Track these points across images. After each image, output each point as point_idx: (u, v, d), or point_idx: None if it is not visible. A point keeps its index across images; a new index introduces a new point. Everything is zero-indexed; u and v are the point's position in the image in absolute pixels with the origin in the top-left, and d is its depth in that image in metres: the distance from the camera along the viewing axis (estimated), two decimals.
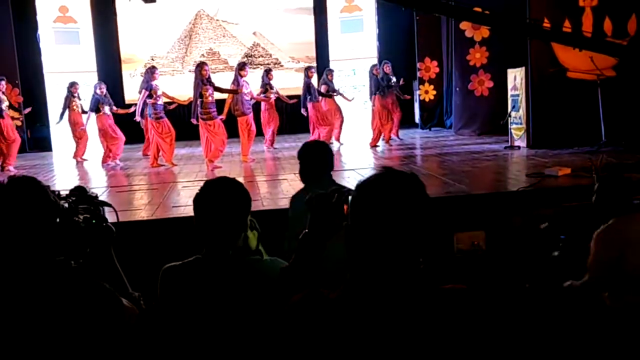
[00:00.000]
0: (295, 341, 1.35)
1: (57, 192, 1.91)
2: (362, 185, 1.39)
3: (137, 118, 10.32)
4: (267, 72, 10.97)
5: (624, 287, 3.35)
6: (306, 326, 1.34)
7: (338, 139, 11.18)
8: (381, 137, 10.87)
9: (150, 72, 9.50)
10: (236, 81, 9.65)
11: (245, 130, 9.57)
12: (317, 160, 3.35)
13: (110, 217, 2.14)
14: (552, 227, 5.05)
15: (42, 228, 1.73)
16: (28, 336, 1.66)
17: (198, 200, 2.09)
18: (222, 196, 2.06)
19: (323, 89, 10.89)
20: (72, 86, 10.51)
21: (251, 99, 9.96)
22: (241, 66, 9.89)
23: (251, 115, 9.72)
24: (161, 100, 9.53)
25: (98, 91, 10.24)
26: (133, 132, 11.27)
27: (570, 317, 3.66)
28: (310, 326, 1.33)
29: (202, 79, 8.72)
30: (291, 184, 7.00)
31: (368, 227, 1.34)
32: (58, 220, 1.84)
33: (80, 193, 2.01)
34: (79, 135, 10.54)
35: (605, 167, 5.50)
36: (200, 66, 8.92)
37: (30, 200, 1.72)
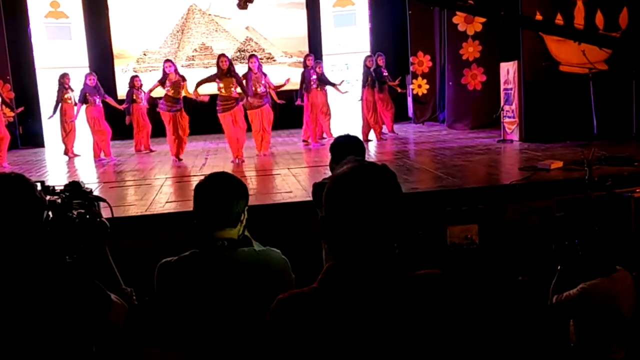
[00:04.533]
0: (279, 339, 1.38)
1: (51, 188, 1.92)
2: (336, 178, 1.42)
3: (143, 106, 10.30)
4: None
5: (612, 338, 3.41)
6: (285, 324, 1.37)
7: (330, 135, 11.18)
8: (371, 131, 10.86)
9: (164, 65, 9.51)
10: (249, 73, 9.40)
11: (255, 122, 9.38)
12: (346, 153, 3.35)
13: (105, 212, 2.14)
14: (568, 217, 5.10)
15: (29, 224, 1.73)
16: (13, 329, 1.67)
17: (199, 190, 2.12)
18: (222, 187, 2.10)
19: (313, 80, 10.74)
20: (63, 77, 10.43)
21: (266, 90, 9.62)
22: (248, 57, 9.82)
23: (264, 107, 9.45)
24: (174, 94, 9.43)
25: (88, 82, 10.17)
26: (124, 127, 11.24)
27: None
28: (289, 324, 1.36)
29: (220, 72, 8.76)
30: (284, 178, 7.01)
31: (343, 218, 1.38)
32: (50, 215, 1.85)
33: (74, 188, 2.01)
34: (67, 129, 10.47)
35: (600, 179, 5.57)
36: (218, 58, 9.00)
37: (16, 197, 1.73)
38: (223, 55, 9.13)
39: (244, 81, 9.17)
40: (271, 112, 9.67)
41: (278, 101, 11.06)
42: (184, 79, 9.47)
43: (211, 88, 9.37)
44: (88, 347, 1.83)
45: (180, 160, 9.32)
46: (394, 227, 1.40)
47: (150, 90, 9.83)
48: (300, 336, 1.35)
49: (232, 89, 8.84)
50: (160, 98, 11.38)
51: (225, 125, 8.91)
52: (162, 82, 9.39)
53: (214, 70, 9.37)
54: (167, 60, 9.70)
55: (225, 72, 8.78)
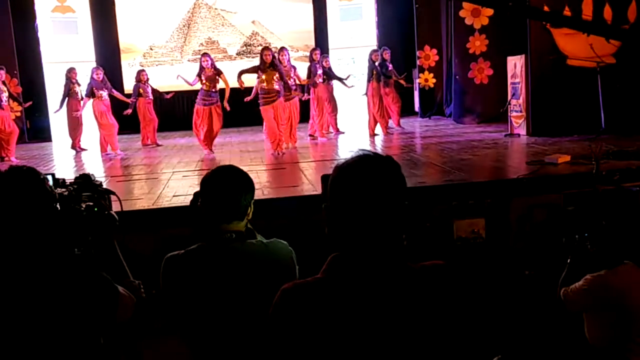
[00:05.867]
0: (284, 329, 1.38)
1: (61, 180, 1.93)
2: (340, 167, 1.42)
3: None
4: None
5: (628, 335, 3.27)
6: (289, 315, 1.37)
7: (336, 129, 11.16)
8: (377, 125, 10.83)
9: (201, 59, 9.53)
10: (279, 66, 9.40)
11: (283, 115, 9.34)
12: None
13: (114, 206, 2.15)
14: (579, 211, 5.05)
15: (40, 216, 1.75)
16: (22, 321, 1.69)
17: (206, 183, 2.12)
18: (230, 180, 2.10)
19: (320, 75, 10.72)
20: (70, 72, 10.46)
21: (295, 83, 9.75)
22: (279, 50, 9.79)
23: (293, 100, 9.52)
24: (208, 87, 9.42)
25: (95, 76, 10.19)
26: (131, 121, 11.27)
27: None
28: (293, 314, 1.37)
29: (263, 65, 8.75)
30: (291, 172, 7.02)
31: (347, 207, 1.38)
32: (58, 207, 1.86)
33: (84, 181, 2.02)
34: (75, 123, 10.49)
35: (607, 174, 5.52)
36: (261, 51, 9.00)
37: (28, 189, 1.75)
38: (267, 48, 9.14)
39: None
40: (298, 105, 9.66)
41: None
42: (219, 72, 9.45)
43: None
44: (96, 339, 1.85)
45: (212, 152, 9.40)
46: (398, 217, 1.40)
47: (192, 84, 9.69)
48: (304, 326, 1.35)
49: (274, 82, 8.83)
50: (167, 92, 11.37)
51: (267, 118, 8.93)
52: (199, 76, 9.42)
53: (220, 65, 9.36)
54: (205, 54, 9.70)
55: (268, 65, 8.78)
